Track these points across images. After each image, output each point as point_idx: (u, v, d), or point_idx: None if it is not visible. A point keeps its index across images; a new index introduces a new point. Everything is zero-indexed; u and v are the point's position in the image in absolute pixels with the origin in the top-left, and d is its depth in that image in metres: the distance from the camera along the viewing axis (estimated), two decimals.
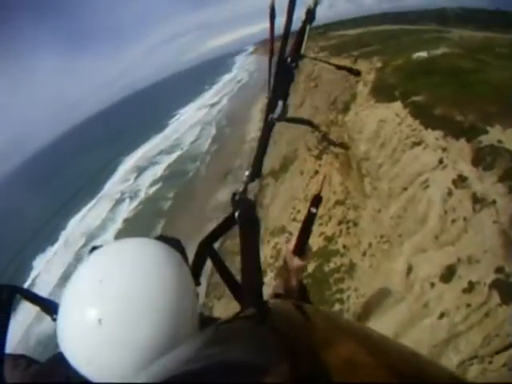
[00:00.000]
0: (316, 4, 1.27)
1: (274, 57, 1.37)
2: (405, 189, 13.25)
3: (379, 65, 24.54)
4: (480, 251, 10.09)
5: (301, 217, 17.32)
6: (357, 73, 1.49)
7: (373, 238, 13.58)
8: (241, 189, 1.39)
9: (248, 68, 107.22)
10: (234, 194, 1.38)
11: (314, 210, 1.40)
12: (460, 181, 11.70)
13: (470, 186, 11.38)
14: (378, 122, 15.81)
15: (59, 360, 1.02)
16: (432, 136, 13.35)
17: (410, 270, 11.36)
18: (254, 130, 44.25)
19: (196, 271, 1.40)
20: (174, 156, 51.75)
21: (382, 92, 17.70)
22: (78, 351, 0.92)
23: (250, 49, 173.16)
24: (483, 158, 11.64)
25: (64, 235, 40.38)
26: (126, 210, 40.66)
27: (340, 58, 33.00)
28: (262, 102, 53.59)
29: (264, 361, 0.53)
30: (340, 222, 16.91)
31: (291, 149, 31.56)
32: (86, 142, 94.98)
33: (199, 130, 59.56)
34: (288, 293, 1.60)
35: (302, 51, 1.29)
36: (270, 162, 32.78)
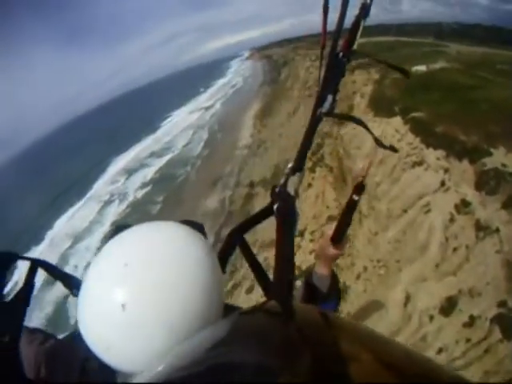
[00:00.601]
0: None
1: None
2: (404, 211, 12.71)
3: (377, 77, 24.10)
4: (482, 283, 9.68)
5: None
6: (406, 73, 1.38)
7: (368, 261, 12.84)
8: (282, 181, 1.33)
9: (243, 73, 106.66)
10: (275, 187, 1.34)
11: (356, 197, 1.37)
12: (463, 206, 11.27)
13: (474, 212, 10.96)
14: (377, 137, 15.08)
15: (76, 339, 1.05)
16: (433, 156, 12.80)
17: (407, 299, 10.77)
18: (245, 137, 43.81)
19: (223, 259, 1.34)
20: (165, 159, 50.84)
21: (381, 106, 17.15)
22: (97, 335, 0.88)
23: (246, 54, 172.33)
24: (487, 182, 11.28)
25: (50, 235, 39.28)
26: (114, 212, 39.81)
27: None
28: (255, 108, 53.98)
29: (283, 360, 0.54)
30: None
31: (283, 158, 30.40)
32: (77, 140, 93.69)
33: (191, 133, 58.70)
34: (320, 281, 1.58)
35: (355, 47, 1.21)
36: (260, 171, 32.27)
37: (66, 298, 23.78)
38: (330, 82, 1.29)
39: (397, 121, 15.55)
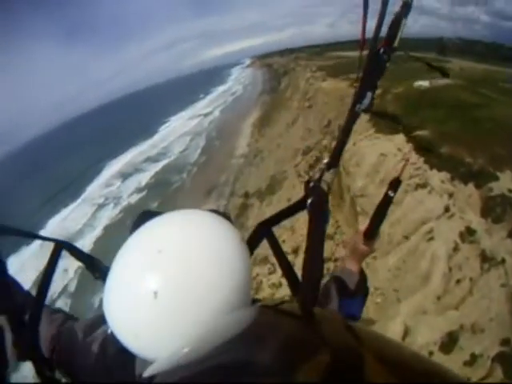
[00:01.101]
0: None
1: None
2: (406, 237, 12.11)
3: (378, 91, 23.42)
4: (485, 318, 9.18)
5: (286, 247, 16.33)
6: (446, 74, 1.39)
7: None
8: (316, 176, 1.26)
9: (243, 81, 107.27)
10: (309, 181, 1.26)
11: (391, 193, 1.35)
12: (468, 234, 10.74)
13: (479, 241, 10.44)
14: (379, 155, 14.51)
15: (99, 323, 1.14)
16: (438, 178, 12.18)
17: (406, 333, 10.17)
18: (242, 146, 43.57)
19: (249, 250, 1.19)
20: (161, 165, 50.53)
21: (382, 121, 16.44)
22: (126, 323, 0.86)
23: (247, 62, 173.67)
24: (493, 209, 10.83)
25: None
26: (108, 216, 39.39)
27: (337, 79, 32.19)
28: (253, 116, 53.86)
29: (299, 361, 0.55)
30: (328, 259, 15.39)
31: (279, 170, 30.37)
32: (75, 140, 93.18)
33: (189, 139, 58.58)
34: (348, 277, 1.53)
35: (396, 44, 1.18)
36: (256, 182, 31.94)
37: None
38: (370, 79, 1.24)
39: (400, 138, 14.94)
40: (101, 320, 1.08)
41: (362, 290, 1.54)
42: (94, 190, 48.63)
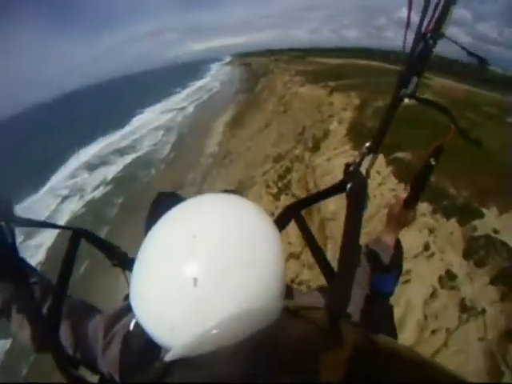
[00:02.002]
0: None
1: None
2: None
3: (357, 102, 22.56)
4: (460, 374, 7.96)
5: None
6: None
7: None
8: (356, 160, 1.23)
9: (221, 78, 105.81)
10: (348, 165, 1.25)
11: (433, 161, 1.31)
12: (448, 278, 9.87)
13: (459, 288, 9.64)
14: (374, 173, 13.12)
15: (120, 317, 1.15)
16: (419, 207, 10.85)
17: None
18: (213, 144, 42.66)
19: None
20: (129, 158, 48.31)
21: (361, 137, 15.17)
22: (160, 315, 0.82)
23: (227, 59, 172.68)
24: (476, 251, 10.02)
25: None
26: (71, 210, 37.04)
27: (316, 86, 31.18)
28: (227, 115, 52.88)
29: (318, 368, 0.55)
30: (292, 280, 14.39)
31: (248, 175, 29.05)
32: (43, 125, 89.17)
33: (160, 134, 56.69)
34: (383, 249, 1.47)
35: (444, 30, 1.11)
36: (223, 184, 29.85)
37: None
38: (415, 64, 1.14)
39: (379, 159, 13.47)
40: (122, 313, 1.07)
41: (396, 265, 1.47)
42: (59, 180, 45.92)
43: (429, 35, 1.09)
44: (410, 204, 1.43)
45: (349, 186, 1.15)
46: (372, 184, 12.43)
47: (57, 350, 1.02)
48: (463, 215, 10.86)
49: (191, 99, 79.64)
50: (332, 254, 12.57)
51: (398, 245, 1.50)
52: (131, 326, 1.00)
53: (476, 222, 10.53)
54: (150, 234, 0.92)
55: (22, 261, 1.15)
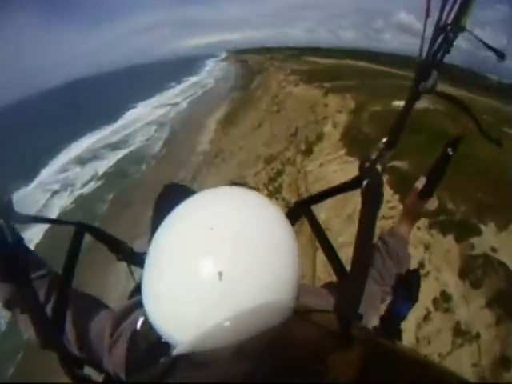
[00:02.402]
0: None
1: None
2: None
3: (352, 105, 22.02)
4: None
5: None
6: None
7: None
8: (373, 156, 1.20)
9: (216, 74, 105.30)
10: (364, 161, 1.22)
11: (450, 151, 1.25)
12: (442, 300, 9.46)
13: (454, 310, 9.26)
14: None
15: (126, 315, 1.12)
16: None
17: None
18: (205, 142, 42.37)
19: None
20: (120, 154, 47.53)
21: (356, 143, 14.55)
22: (184, 315, 0.78)
23: (223, 55, 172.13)
24: (473, 270, 9.63)
25: None
26: (61, 205, 36.22)
27: (310, 86, 30.67)
28: (221, 112, 52.74)
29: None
30: None
31: (239, 175, 28.83)
32: (35, 117, 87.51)
33: (152, 130, 56.03)
34: (397, 243, 1.44)
35: (464, 24, 1.08)
36: (214, 184, 29.12)
37: None
38: (435, 57, 1.12)
39: None
40: (129, 311, 1.06)
41: (417, 294, 1.35)
42: (49, 174, 44.94)
43: (449, 28, 1.06)
44: (425, 195, 1.37)
45: (365, 182, 1.14)
46: None
47: (61, 350, 0.98)
48: (461, 231, 10.39)
49: (185, 95, 79.15)
50: (323, 266, 12.00)
51: (416, 275, 1.38)
52: (138, 325, 0.97)
53: (474, 240, 10.07)
54: (162, 229, 0.88)
55: (29, 255, 1.15)
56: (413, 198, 1.40)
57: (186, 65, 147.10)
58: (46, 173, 45.05)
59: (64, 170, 45.56)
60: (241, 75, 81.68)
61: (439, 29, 1.06)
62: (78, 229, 1.24)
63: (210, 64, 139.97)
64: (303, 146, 19.45)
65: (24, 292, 1.04)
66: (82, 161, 47.59)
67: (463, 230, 10.37)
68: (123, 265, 1.47)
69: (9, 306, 1.14)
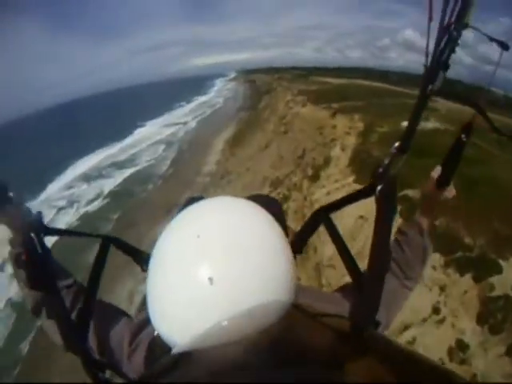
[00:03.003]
0: None
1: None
2: None
3: (361, 126, 21.43)
4: None
5: None
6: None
7: None
8: (386, 161, 1.20)
9: (225, 94, 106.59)
10: (378, 167, 1.21)
11: (464, 137, 1.24)
12: (458, 349, 8.59)
13: (471, 362, 8.36)
14: (357, 218, 11.65)
15: (145, 324, 1.15)
16: (430, 259, 9.48)
17: None
18: (211, 162, 42.18)
19: (302, 238, 1.36)
20: (126, 173, 47.61)
21: (365, 168, 13.86)
22: (180, 315, 0.82)
23: (232, 75, 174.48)
24: (492, 314, 8.74)
25: None
26: (66, 222, 35.61)
27: (318, 107, 30.24)
28: (228, 132, 52.84)
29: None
30: None
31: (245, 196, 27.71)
32: (43, 133, 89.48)
33: (160, 149, 56.27)
34: (416, 230, 1.38)
35: (467, 21, 1.10)
36: None
37: None
38: (440, 58, 1.13)
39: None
40: (148, 321, 1.04)
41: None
42: (55, 191, 45.22)
43: (452, 26, 1.07)
44: (442, 184, 1.31)
45: (378, 188, 1.14)
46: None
47: (84, 354, 1.03)
48: (479, 270, 9.54)
49: (194, 114, 79.69)
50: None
51: (433, 227, 1.39)
52: (156, 333, 0.96)
53: (493, 279, 9.23)
54: (159, 242, 0.92)
55: (57, 267, 1.23)
56: (430, 187, 1.36)
57: (195, 84, 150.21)
58: (53, 188, 45.56)
59: (70, 186, 45.98)
60: (249, 95, 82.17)
61: (443, 29, 1.06)
62: (103, 241, 1.30)
63: (218, 84, 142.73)
64: (310, 171, 18.85)
65: (52, 299, 1.07)
66: (87, 178, 48.08)
67: (482, 268, 9.57)
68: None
69: (36, 311, 1.19)
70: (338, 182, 14.02)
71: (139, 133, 69.44)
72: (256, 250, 0.83)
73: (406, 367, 0.58)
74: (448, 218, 10.45)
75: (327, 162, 18.12)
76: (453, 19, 1.06)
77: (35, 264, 1.08)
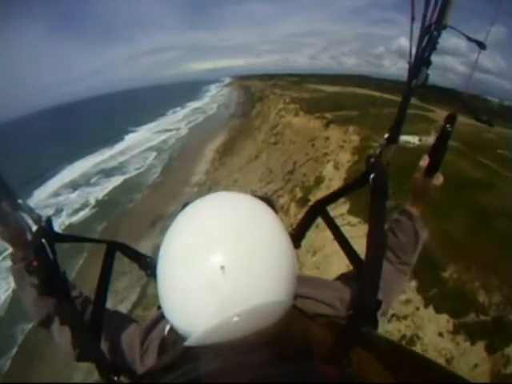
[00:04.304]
0: None
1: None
2: None
3: (356, 140, 19.79)
4: None
5: None
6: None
7: None
8: (377, 151, 1.28)
9: (219, 100, 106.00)
10: (370, 156, 1.28)
11: (449, 128, 1.26)
12: None
13: None
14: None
15: (154, 325, 1.19)
16: (435, 325, 7.82)
17: None
18: (200, 172, 41.32)
19: (300, 232, 1.39)
20: (114, 181, 46.30)
21: (362, 195, 12.06)
22: (194, 305, 0.80)
23: (226, 81, 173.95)
24: None
25: None
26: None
27: (310, 117, 28.70)
28: (219, 140, 52.01)
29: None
30: None
31: None
32: (31, 137, 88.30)
33: (150, 156, 55.00)
34: (408, 217, 1.37)
35: (446, 22, 1.17)
36: None
37: None
38: (422, 55, 1.20)
39: None
40: (157, 321, 1.13)
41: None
42: (41, 198, 43.47)
43: (433, 27, 1.14)
44: (431, 172, 1.30)
45: (371, 176, 1.18)
46: None
47: (100, 359, 1.06)
48: (494, 338, 7.74)
49: (186, 120, 78.78)
50: None
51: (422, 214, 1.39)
52: (165, 332, 1.00)
53: (509, 350, 7.46)
54: (166, 239, 0.91)
55: (64, 276, 1.19)
56: (419, 176, 1.32)
57: (189, 89, 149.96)
58: (38, 195, 43.85)
59: (56, 194, 44.65)
60: (242, 102, 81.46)
61: (424, 29, 1.13)
62: (109, 247, 1.30)
63: (213, 89, 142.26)
64: (299, 193, 17.02)
65: (65, 305, 1.10)
66: (74, 186, 46.87)
67: (497, 335, 7.78)
68: None
69: (47, 321, 1.20)
70: (330, 206, 12.33)
71: (130, 138, 68.17)
72: (266, 242, 0.81)
73: (403, 365, 0.60)
74: (457, 265, 8.67)
75: (318, 182, 16.38)
76: (433, 20, 1.13)
77: (46, 270, 1.07)
